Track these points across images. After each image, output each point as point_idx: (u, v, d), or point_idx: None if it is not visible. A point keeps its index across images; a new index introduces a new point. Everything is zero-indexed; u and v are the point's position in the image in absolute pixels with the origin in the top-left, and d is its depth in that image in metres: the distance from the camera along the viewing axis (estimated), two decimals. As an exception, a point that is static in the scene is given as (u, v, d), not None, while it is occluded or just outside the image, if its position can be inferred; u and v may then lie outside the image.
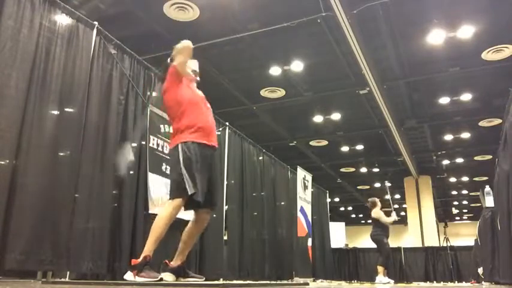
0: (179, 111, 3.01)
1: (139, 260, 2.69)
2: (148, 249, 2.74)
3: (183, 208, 2.92)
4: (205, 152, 2.96)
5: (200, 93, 3.23)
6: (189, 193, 2.79)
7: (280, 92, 9.08)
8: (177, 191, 2.82)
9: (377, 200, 8.19)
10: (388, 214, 7.99)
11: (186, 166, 2.85)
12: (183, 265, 2.98)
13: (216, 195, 3.11)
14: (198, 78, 3.32)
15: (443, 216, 22.03)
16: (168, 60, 3.19)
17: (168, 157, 4.10)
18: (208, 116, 3.13)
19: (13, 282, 3.43)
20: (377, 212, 7.91)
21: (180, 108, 3.01)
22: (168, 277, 2.85)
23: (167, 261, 2.96)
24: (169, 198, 2.89)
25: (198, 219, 3.01)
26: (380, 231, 7.78)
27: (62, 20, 3.71)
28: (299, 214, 8.68)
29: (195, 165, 2.86)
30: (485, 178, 14.73)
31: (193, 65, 3.32)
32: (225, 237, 5.98)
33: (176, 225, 3.14)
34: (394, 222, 8.08)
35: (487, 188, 6.56)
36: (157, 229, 2.77)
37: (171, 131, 3.14)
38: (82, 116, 3.74)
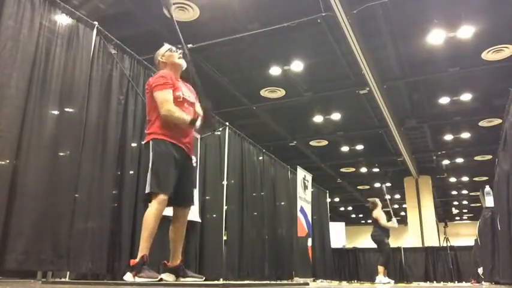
0: (156, 112, 2.98)
1: (137, 260, 2.70)
2: (143, 248, 2.75)
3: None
4: (176, 152, 2.95)
5: (189, 93, 3.14)
6: (146, 191, 2.83)
7: (280, 92, 9.08)
8: (156, 187, 2.83)
9: (377, 200, 8.21)
10: (389, 218, 8.01)
11: (154, 164, 2.87)
12: (182, 264, 2.98)
13: (190, 194, 3.13)
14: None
15: (443, 216, 22.04)
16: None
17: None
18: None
19: (13, 282, 3.44)
20: (377, 213, 7.92)
21: (156, 111, 2.97)
22: (168, 277, 2.86)
23: (165, 262, 2.97)
24: (152, 195, 2.87)
25: (176, 216, 3.06)
26: (381, 231, 7.81)
27: (62, 20, 3.71)
28: (299, 214, 8.67)
29: (162, 163, 2.87)
30: (485, 178, 14.73)
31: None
32: (225, 237, 5.98)
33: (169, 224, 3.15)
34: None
35: (487, 188, 6.56)
36: (147, 226, 2.79)
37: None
38: (82, 116, 3.74)
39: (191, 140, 3.14)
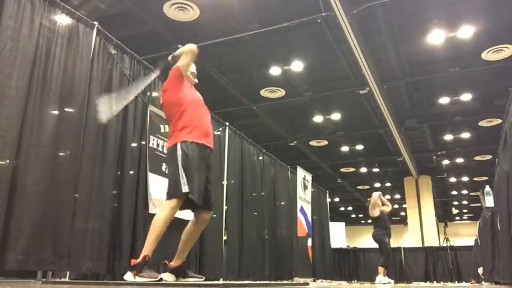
0: (179, 111, 3.02)
1: (139, 260, 2.69)
2: (147, 249, 2.74)
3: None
4: (203, 152, 2.97)
5: (199, 95, 3.26)
6: (183, 191, 2.80)
7: (280, 92, 9.08)
8: (173, 190, 2.84)
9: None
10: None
11: (184, 165, 2.87)
12: (183, 265, 2.98)
13: (212, 196, 3.13)
14: (196, 81, 3.34)
15: (443, 216, 22.02)
16: (169, 57, 3.21)
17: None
18: (206, 118, 3.17)
19: (13, 282, 3.44)
20: (375, 209, 7.91)
21: (180, 108, 3.03)
22: (168, 277, 2.85)
23: (167, 262, 2.96)
24: (167, 198, 2.91)
25: (198, 219, 3.02)
26: (382, 231, 7.79)
27: (62, 20, 3.71)
28: (299, 214, 8.68)
29: (193, 164, 2.87)
30: (485, 178, 14.73)
31: (193, 67, 3.34)
32: (225, 237, 5.98)
33: (176, 226, 3.14)
34: (394, 222, 8.09)
35: (487, 188, 6.56)
36: (155, 229, 2.78)
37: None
38: (82, 116, 3.74)
39: (212, 138, 3.15)
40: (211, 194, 3.08)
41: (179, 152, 2.90)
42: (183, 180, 2.82)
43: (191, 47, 3.14)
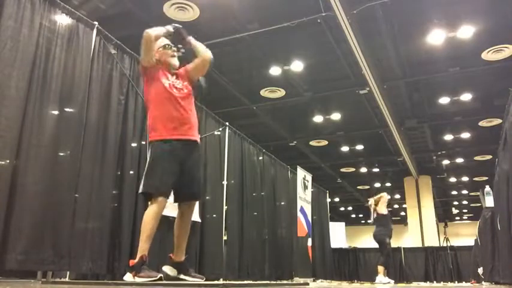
0: (148, 109, 3.04)
1: (136, 260, 2.70)
2: (142, 248, 2.75)
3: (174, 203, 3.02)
4: (173, 148, 2.89)
5: (175, 80, 3.06)
6: (139, 191, 2.91)
7: (280, 92, 9.09)
8: (151, 188, 2.87)
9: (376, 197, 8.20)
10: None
11: (150, 166, 2.90)
12: (185, 261, 2.98)
13: (193, 188, 3.02)
14: (175, 54, 3.18)
15: (443, 216, 22.02)
16: None
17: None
18: (174, 110, 2.94)
19: (13, 282, 3.44)
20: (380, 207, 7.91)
21: (148, 107, 3.03)
22: (170, 271, 2.86)
23: (171, 255, 2.96)
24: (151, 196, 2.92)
25: (180, 211, 3.04)
26: (384, 230, 7.77)
27: (62, 20, 3.71)
28: (299, 214, 8.68)
29: (155, 165, 2.87)
30: (485, 178, 14.74)
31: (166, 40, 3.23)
32: (225, 237, 5.98)
33: (171, 225, 3.15)
34: (394, 222, 8.08)
35: (487, 188, 6.56)
36: (146, 227, 2.79)
37: None
38: (82, 116, 3.74)
39: (192, 120, 3.02)
40: (191, 185, 2.99)
41: (148, 154, 2.94)
42: (151, 180, 2.85)
43: (144, 35, 3.09)
